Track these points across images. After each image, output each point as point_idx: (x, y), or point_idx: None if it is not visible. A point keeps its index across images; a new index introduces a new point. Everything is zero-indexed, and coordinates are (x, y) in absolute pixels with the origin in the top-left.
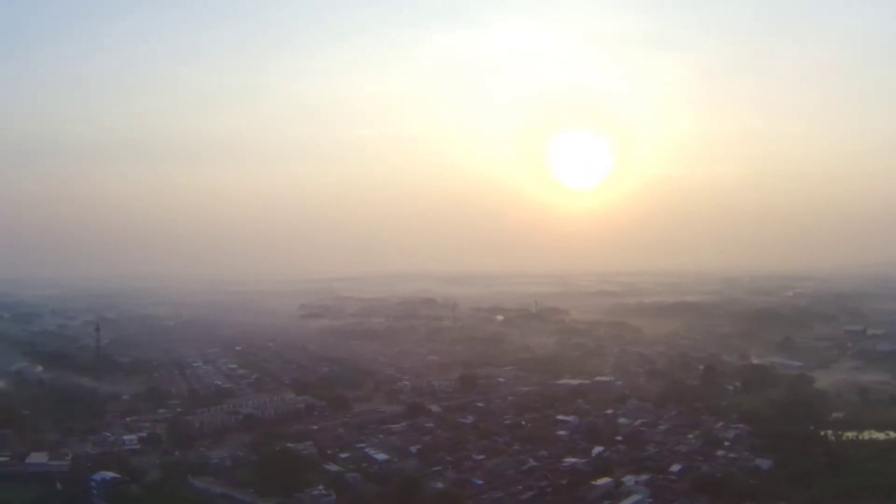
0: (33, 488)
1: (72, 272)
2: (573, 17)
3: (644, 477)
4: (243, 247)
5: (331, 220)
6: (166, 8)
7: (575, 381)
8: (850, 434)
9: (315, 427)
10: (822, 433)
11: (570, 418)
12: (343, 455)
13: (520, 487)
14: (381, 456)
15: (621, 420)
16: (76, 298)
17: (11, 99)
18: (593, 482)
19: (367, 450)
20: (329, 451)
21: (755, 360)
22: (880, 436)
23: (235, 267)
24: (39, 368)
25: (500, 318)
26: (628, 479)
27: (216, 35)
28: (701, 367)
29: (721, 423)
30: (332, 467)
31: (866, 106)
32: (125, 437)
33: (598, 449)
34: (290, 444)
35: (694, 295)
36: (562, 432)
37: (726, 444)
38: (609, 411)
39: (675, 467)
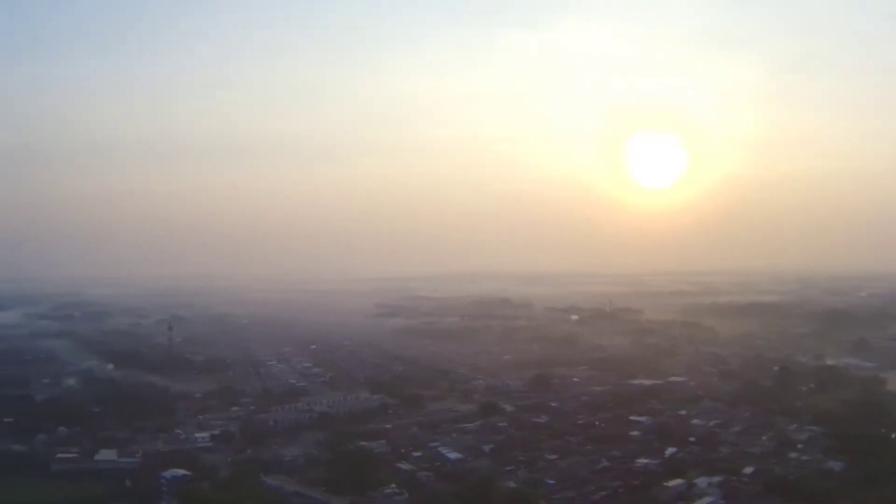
0: (102, 485)
1: (145, 271)
2: (648, 15)
3: (716, 478)
4: (319, 246)
5: (406, 219)
6: (247, 8)
7: (648, 382)
8: None
9: (388, 426)
10: (894, 435)
11: (643, 419)
12: (416, 454)
13: (592, 488)
14: (454, 455)
15: (694, 421)
16: (149, 297)
17: (91, 98)
18: (665, 483)
19: (440, 449)
20: (402, 450)
21: (829, 361)
22: None
23: (310, 267)
24: (110, 367)
25: (574, 317)
26: (701, 481)
27: (301, 38)
28: (775, 367)
29: (794, 425)
30: (405, 466)
31: None
32: (197, 435)
33: (670, 450)
34: (363, 443)
35: (768, 295)
36: (635, 433)
37: (799, 445)
38: (682, 412)
39: (748, 469)
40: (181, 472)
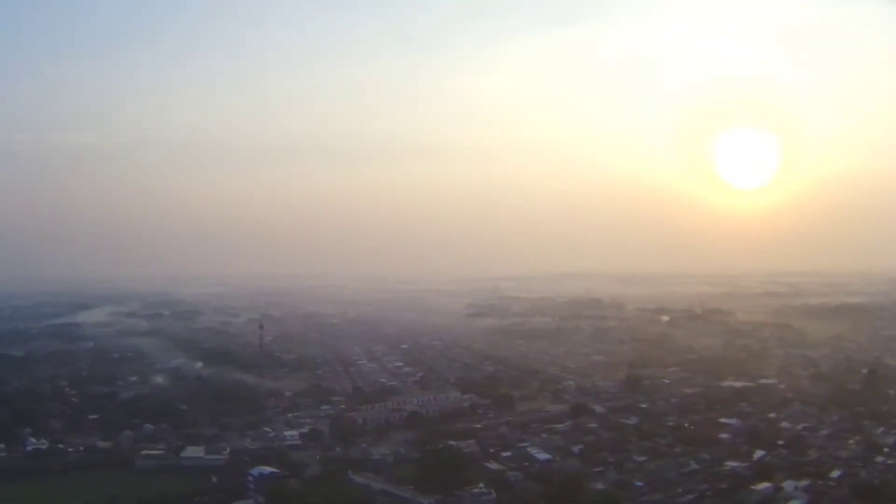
0: (188, 481)
1: (239, 270)
2: (734, 7)
3: (804, 482)
4: (410, 246)
5: (497, 220)
6: (313, 7)
7: (738, 384)
8: None
9: (478, 426)
10: None
11: (732, 421)
12: (505, 454)
13: (679, 490)
14: (543, 455)
15: (783, 424)
16: (240, 296)
17: (195, 97)
18: (753, 486)
19: (528, 449)
20: (491, 450)
21: None
22: None
23: (402, 266)
24: (199, 364)
25: (665, 318)
26: (788, 484)
27: (371, 36)
28: (864, 370)
29: (881, 429)
30: (494, 466)
31: None
32: (286, 433)
33: (759, 453)
34: (452, 442)
35: (859, 296)
36: (724, 435)
37: (885, 450)
38: (772, 415)
39: (835, 473)
40: (268, 469)
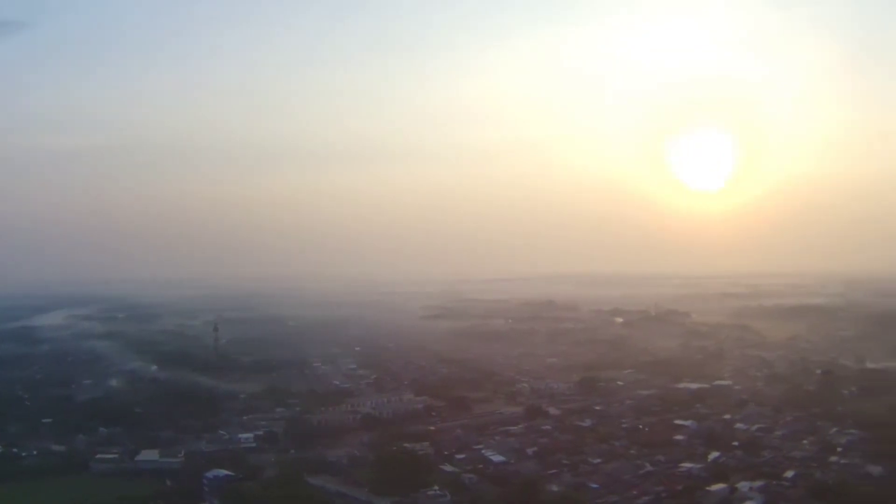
0: (144, 485)
1: (197, 273)
2: (698, 11)
3: (759, 483)
4: (370, 249)
5: (456, 223)
6: (299, 8)
7: (694, 385)
8: None
9: (433, 428)
10: None
11: (688, 423)
12: (460, 456)
13: (635, 492)
14: (498, 457)
15: (738, 425)
16: (199, 299)
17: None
18: (708, 488)
19: (484, 451)
20: (446, 452)
21: (872, 365)
22: None
23: (361, 269)
24: (154, 367)
25: (619, 320)
26: (743, 485)
27: (345, 37)
28: (819, 371)
29: (836, 429)
30: (449, 468)
31: None
32: (241, 436)
33: (714, 454)
34: (407, 445)
35: (816, 297)
36: (679, 437)
37: (839, 450)
38: (727, 416)
39: (789, 473)
40: (224, 472)
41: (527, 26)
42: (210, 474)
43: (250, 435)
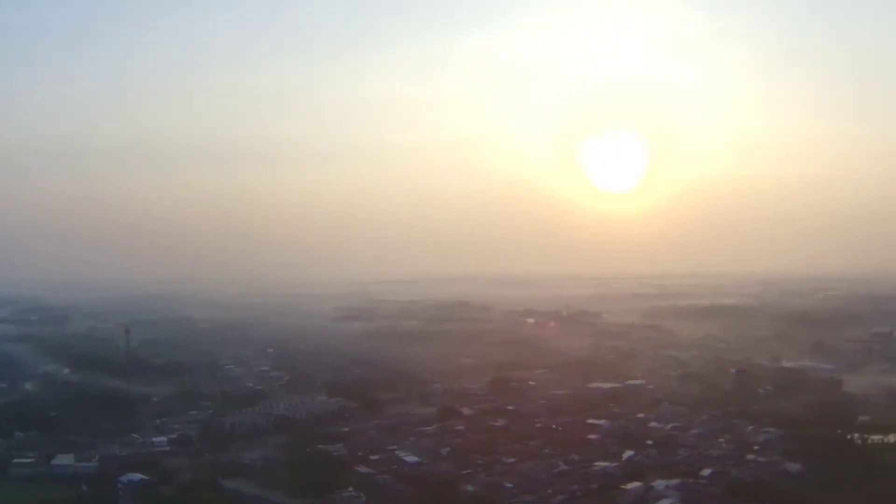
0: (59, 489)
1: (107, 275)
2: (613, 14)
3: (675, 481)
4: (283, 250)
5: (369, 223)
6: (208, 9)
7: (607, 385)
8: (878, 437)
9: (347, 429)
10: (850, 436)
11: (601, 422)
12: (374, 457)
13: (550, 491)
14: (412, 458)
15: (653, 424)
16: (114, 301)
17: (43, 101)
18: (624, 486)
19: (398, 452)
20: (360, 454)
21: (786, 364)
22: None
23: (274, 270)
24: (66, 370)
25: (530, 320)
26: (658, 484)
27: (249, 38)
28: (733, 370)
29: (751, 428)
30: (363, 469)
31: None
32: (155, 439)
33: (629, 453)
34: (321, 446)
35: (729, 297)
36: (593, 436)
37: (756, 448)
38: (641, 415)
39: (706, 472)
40: (138, 476)
41: (440, 28)
42: (125, 478)
43: (164, 438)
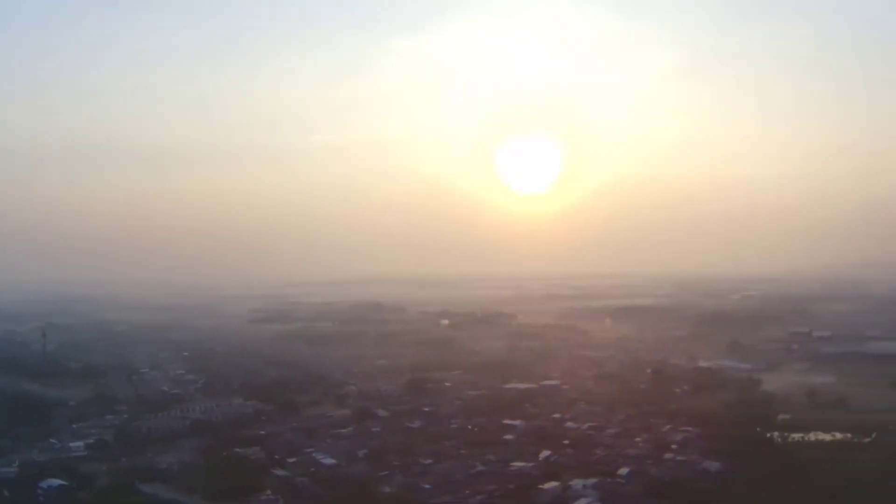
0: None
1: (24, 278)
2: (527, 20)
3: (592, 481)
4: (199, 253)
5: (286, 226)
6: (126, 10)
7: (522, 386)
8: (797, 436)
9: (263, 432)
10: (769, 435)
11: (517, 422)
12: (291, 460)
13: (468, 491)
14: (330, 460)
15: (569, 424)
16: (27, 304)
17: None
18: (541, 486)
19: (315, 454)
20: (277, 456)
21: (703, 363)
22: (826, 437)
23: (190, 273)
24: None
25: (446, 322)
26: (576, 483)
27: (174, 38)
28: (649, 370)
29: (669, 427)
30: (281, 472)
31: (830, 108)
32: (72, 444)
33: (545, 453)
34: (238, 450)
35: (644, 298)
36: (509, 436)
37: (674, 447)
38: (557, 415)
39: (623, 470)
40: (58, 481)
41: (361, 31)
42: (44, 484)
43: (81, 443)
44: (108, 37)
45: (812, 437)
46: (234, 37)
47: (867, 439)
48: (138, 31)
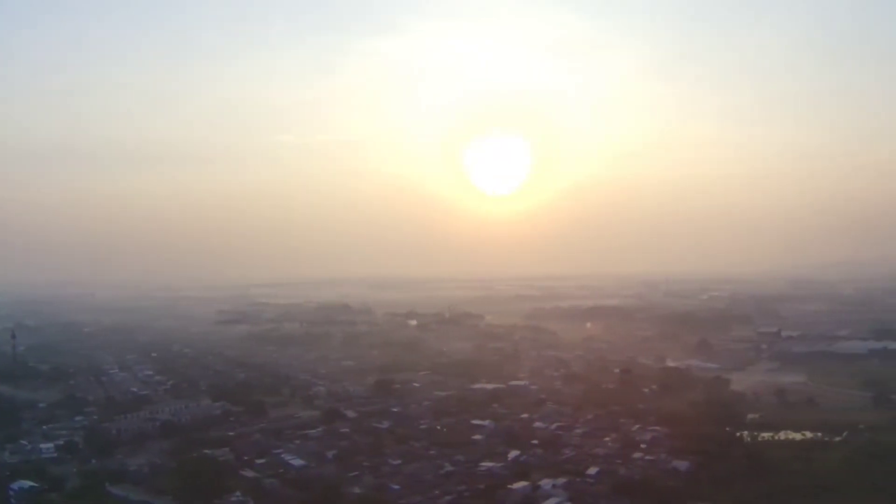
0: None
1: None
2: (504, 21)
3: (561, 480)
4: (167, 253)
5: (252, 226)
6: (86, 9)
7: (490, 386)
8: (767, 435)
9: (232, 433)
10: (739, 434)
11: (485, 423)
12: (260, 461)
13: (437, 492)
14: (298, 462)
15: (537, 424)
16: None
17: None
18: (510, 486)
19: (283, 455)
20: (246, 458)
21: (672, 363)
22: (796, 436)
23: (158, 274)
24: None
25: (413, 322)
26: (545, 483)
27: (138, 37)
28: (617, 370)
29: (638, 426)
30: (250, 474)
31: (799, 109)
32: (42, 446)
33: (514, 453)
34: (207, 451)
35: (612, 299)
36: (478, 437)
37: (643, 446)
38: (525, 415)
39: (592, 470)
40: (29, 483)
41: (328, 31)
42: (15, 486)
43: (51, 445)
44: (69, 35)
45: (782, 436)
46: (200, 35)
47: (837, 438)
48: (102, 30)
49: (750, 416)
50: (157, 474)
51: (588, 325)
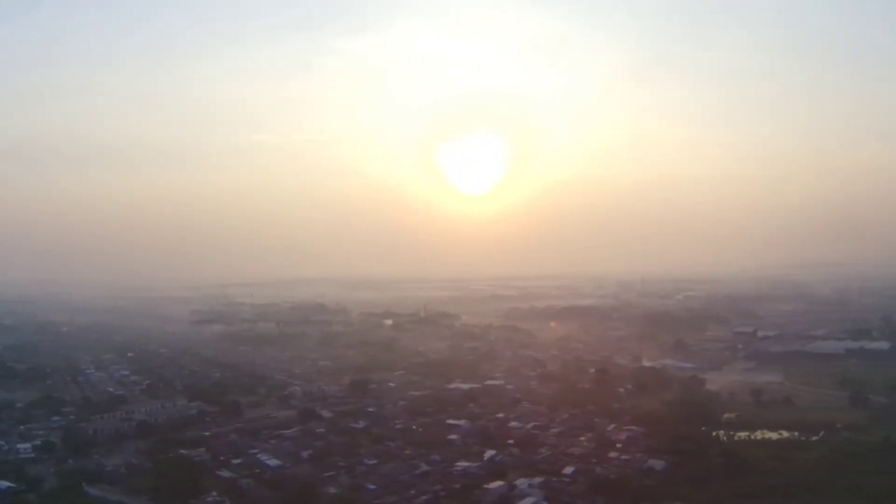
0: None
1: None
2: (478, 19)
3: (537, 480)
4: (142, 253)
5: (228, 225)
6: (62, 8)
7: (466, 386)
8: (743, 434)
9: (208, 433)
10: (715, 434)
11: (461, 422)
12: (236, 461)
13: (413, 492)
14: (274, 462)
15: (513, 424)
16: None
17: None
18: (486, 486)
19: (259, 456)
20: (222, 458)
21: (647, 363)
22: (773, 435)
23: (134, 273)
24: None
25: (388, 322)
26: (521, 483)
27: (114, 36)
28: (593, 370)
29: (613, 426)
30: (226, 474)
31: (775, 110)
32: (19, 446)
33: (490, 453)
34: (183, 451)
35: (588, 299)
36: (453, 436)
37: (619, 445)
38: (501, 415)
39: (568, 469)
40: (6, 483)
41: (306, 31)
42: None
43: (28, 445)
44: (44, 34)
45: (758, 435)
46: (176, 35)
47: (814, 437)
48: (76, 29)
49: (726, 415)
50: (133, 474)
51: (552, 324)
